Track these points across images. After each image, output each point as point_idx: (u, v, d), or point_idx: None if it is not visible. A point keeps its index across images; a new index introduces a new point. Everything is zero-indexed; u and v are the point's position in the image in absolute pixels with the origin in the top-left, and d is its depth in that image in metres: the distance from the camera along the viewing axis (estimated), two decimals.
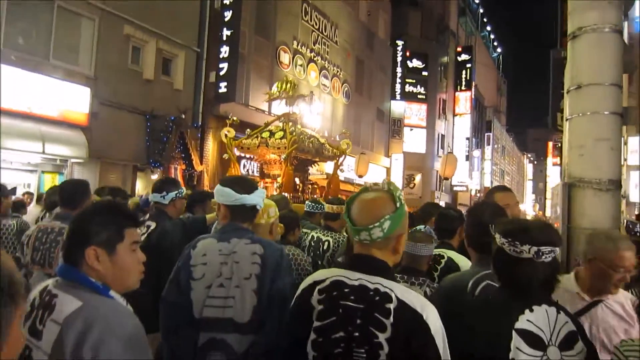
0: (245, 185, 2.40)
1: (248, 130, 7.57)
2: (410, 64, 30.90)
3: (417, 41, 31.38)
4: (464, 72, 36.16)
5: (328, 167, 8.96)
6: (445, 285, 2.23)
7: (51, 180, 11.54)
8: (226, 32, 14.96)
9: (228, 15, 14.99)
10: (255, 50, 17.25)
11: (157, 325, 2.28)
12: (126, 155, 12.73)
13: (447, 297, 2.03)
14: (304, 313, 1.54)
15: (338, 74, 23.37)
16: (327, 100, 22.07)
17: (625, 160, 11.15)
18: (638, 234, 4.96)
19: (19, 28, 10.16)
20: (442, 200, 32.81)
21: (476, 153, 40.94)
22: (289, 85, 7.77)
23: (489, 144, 45.04)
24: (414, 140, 30.97)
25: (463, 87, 36.33)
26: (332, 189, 7.87)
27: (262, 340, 2.13)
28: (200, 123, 15.01)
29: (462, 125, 36.60)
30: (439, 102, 33.62)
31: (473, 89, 37.16)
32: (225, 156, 7.25)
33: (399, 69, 29.96)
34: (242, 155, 12.13)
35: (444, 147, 34.42)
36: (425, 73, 31.68)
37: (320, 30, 21.86)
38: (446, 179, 16.64)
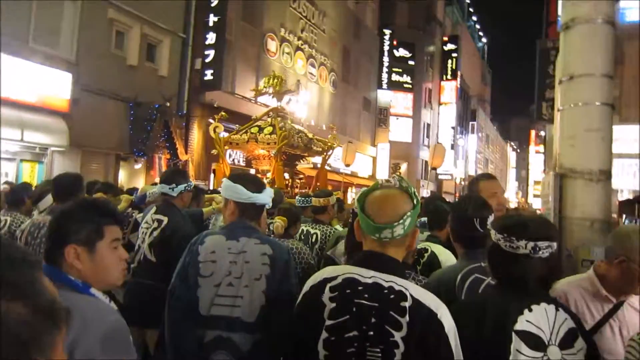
0: (257, 183, 2.39)
1: (237, 125, 7.59)
2: (397, 53, 30.91)
3: (404, 30, 31.37)
4: (449, 61, 36.36)
5: (314, 158, 9.08)
6: (431, 282, 2.19)
7: (30, 170, 11.23)
8: (213, 18, 14.74)
9: (215, 0, 14.76)
10: (242, 37, 17.03)
11: None
12: (108, 143, 12.48)
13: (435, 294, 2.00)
14: (314, 311, 1.50)
15: (325, 62, 23.23)
16: (313, 89, 21.95)
17: None
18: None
19: None
20: (427, 189, 33.06)
21: (461, 142, 41.24)
22: (276, 80, 7.80)
23: (473, 133, 45.45)
24: (400, 130, 31.08)
25: (449, 77, 36.58)
26: (321, 182, 7.99)
27: (268, 340, 2.13)
28: (185, 111, 14.81)
29: (447, 114, 36.85)
30: (424, 92, 33.76)
31: (459, 79, 37.33)
32: (214, 152, 7.27)
33: (385, 58, 29.94)
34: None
35: (429, 136, 34.61)
36: (411, 62, 31.77)
37: (308, 18, 21.66)
38: (434, 169, 16.70)
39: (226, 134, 7.85)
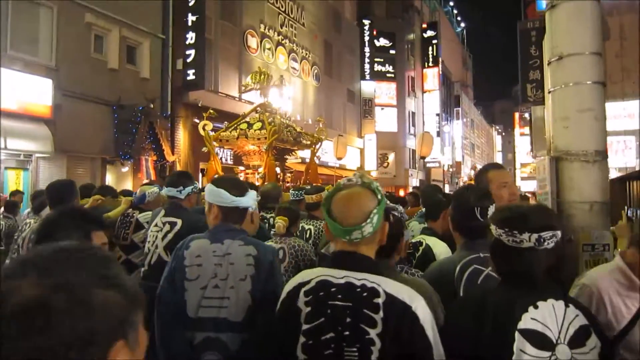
0: (240, 187, 2.42)
1: (225, 123, 7.60)
2: (377, 43, 30.88)
3: (383, 20, 31.36)
4: (430, 48, 36.39)
5: (303, 152, 9.15)
6: (432, 274, 2.16)
7: (15, 177, 11.06)
8: (191, 18, 14.58)
9: (192, 0, 14.60)
10: (222, 35, 16.88)
11: None
12: (94, 148, 12.32)
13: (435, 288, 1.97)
14: (291, 316, 1.51)
15: (307, 56, 23.12)
16: (297, 83, 21.84)
17: None
18: None
19: None
20: (417, 178, 33.20)
21: (446, 128, 41.41)
22: (263, 76, 7.84)
23: (458, 119, 45.63)
24: (386, 120, 31.09)
25: (430, 64, 36.62)
26: (311, 175, 8.04)
27: (254, 339, 2.17)
28: (169, 112, 14.67)
29: (431, 101, 36.94)
30: (407, 80, 33.79)
31: (440, 65, 37.42)
32: (205, 149, 7.28)
33: (367, 49, 29.90)
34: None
35: (415, 124, 34.69)
36: (392, 51, 31.76)
37: (287, 12, 21.51)
38: (423, 158, 16.76)
39: (213, 132, 7.84)
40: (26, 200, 9.01)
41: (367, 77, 29.88)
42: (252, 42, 18.75)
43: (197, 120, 14.07)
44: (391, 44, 31.63)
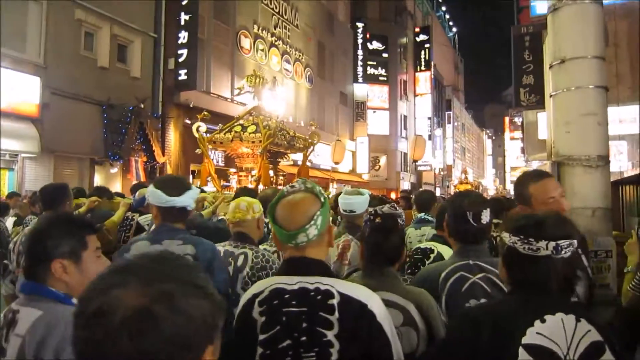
0: (176, 186, 2.39)
1: (219, 125, 7.54)
2: (370, 46, 30.93)
3: (377, 23, 31.41)
4: (422, 52, 36.52)
5: (294, 154, 9.12)
6: (417, 280, 2.15)
7: (1, 177, 10.85)
8: (184, 17, 14.39)
9: None
10: (215, 35, 16.72)
11: None
12: (82, 148, 12.09)
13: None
14: (248, 328, 1.50)
15: (300, 58, 23.03)
16: (290, 85, 21.74)
17: None
18: None
19: None
20: (408, 181, 33.25)
21: (438, 132, 41.57)
22: (258, 79, 7.82)
23: (449, 123, 45.86)
24: (378, 123, 31.09)
25: (422, 68, 36.75)
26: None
27: None
28: (160, 112, 14.46)
29: (423, 105, 37.05)
30: (399, 84, 33.87)
31: (432, 69, 37.54)
32: (198, 151, 7.26)
33: (360, 52, 29.89)
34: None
35: (407, 127, 34.75)
36: (385, 55, 31.85)
37: (281, 13, 21.41)
38: (415, 161, 16.75)
39: (206, 135, 7.77)
40: None
41: (360, 79, 29.87)
42: (245, 42, 18.62)
43: (188, 121, 13.92)
44: (384, 47, 31.72)
